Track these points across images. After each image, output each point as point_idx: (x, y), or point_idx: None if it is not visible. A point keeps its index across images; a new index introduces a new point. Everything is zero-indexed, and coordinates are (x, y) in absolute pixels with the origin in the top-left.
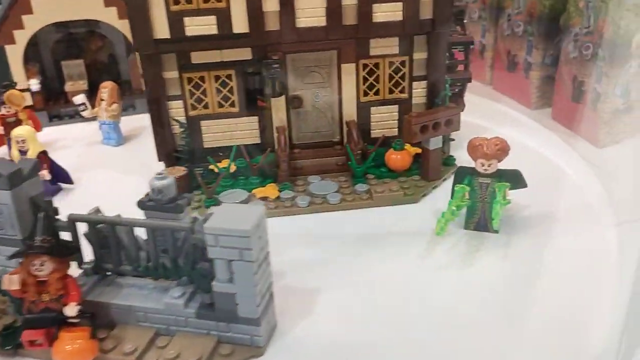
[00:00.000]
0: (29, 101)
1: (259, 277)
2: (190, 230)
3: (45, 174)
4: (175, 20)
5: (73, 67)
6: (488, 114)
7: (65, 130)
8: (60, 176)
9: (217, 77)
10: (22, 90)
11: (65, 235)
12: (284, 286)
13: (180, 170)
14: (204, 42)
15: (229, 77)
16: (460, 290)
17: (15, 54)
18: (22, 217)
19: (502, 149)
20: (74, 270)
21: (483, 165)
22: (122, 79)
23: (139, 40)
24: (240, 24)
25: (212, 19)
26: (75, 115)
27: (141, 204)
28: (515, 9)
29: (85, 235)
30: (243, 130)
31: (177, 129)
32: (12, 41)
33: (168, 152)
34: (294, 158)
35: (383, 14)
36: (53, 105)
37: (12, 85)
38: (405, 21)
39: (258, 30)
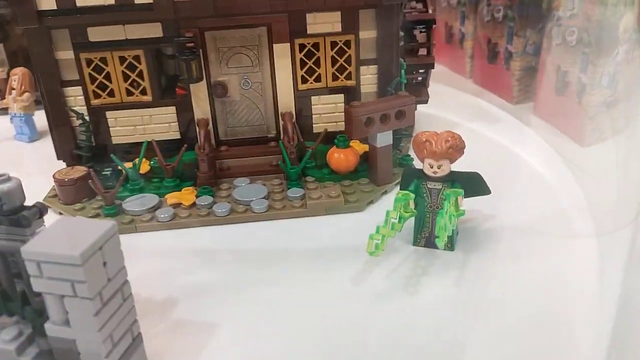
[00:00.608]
0: None
1: (105, 318)
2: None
3: None
4: None
5: None
6: (463, 109)
7: None
8: None
9: (122, 59)
10: None
11: None
12: (175, 321)
13: (79, 171)
14: (98, 14)
15: (136, 58)
16: (400, 325)
17: None
18: None
19: (454, 147)
20: None
21: (432, 167)
22: None
23: (18, 12)
24: None
25: None
26: None
27: None
28: None
29: None
30: (158, 124)
31: (76, 121)
32: None
33: (68, 149)
34: (219, 157)
35: None
36: None
37: None
38: None
39: (164, 0)
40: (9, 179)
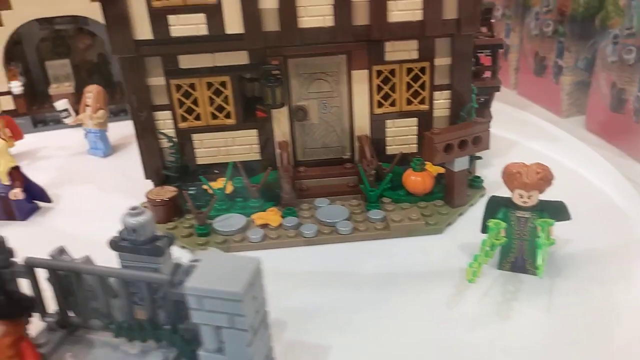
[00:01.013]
0: (9, 105)
1: (255, 348)
2: (169, 283)
3: (18, 193)
4: (158, 19)
5: (58, 68)
6: (514, 125)
7: (49, 138)
8: (36, 194)
9: (209, 85)
10: (2, 94)
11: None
12: (287, 343)
13: (170, 191)
14: (192, 44)
15: (223, 84)
16: (498, 350)
17: None
18: None
19: (544, 178)
20: (36, 323)
21: (522, 197)
22: (113, 80)
23: (117, 42)
24: (234, 23)
25: (201, 17)
26: (61, 121)
27: (113, 244)
28: (545, 6)
29: (48, 280)
30: (241, 145)
31: (165, 143)
32: None
33: (156, 170)
34: (298, 178)
35: (400, 12)
36: (37, 109)
37: None
38: (426, 21)
39: (254, 31)
40: (142, 212)
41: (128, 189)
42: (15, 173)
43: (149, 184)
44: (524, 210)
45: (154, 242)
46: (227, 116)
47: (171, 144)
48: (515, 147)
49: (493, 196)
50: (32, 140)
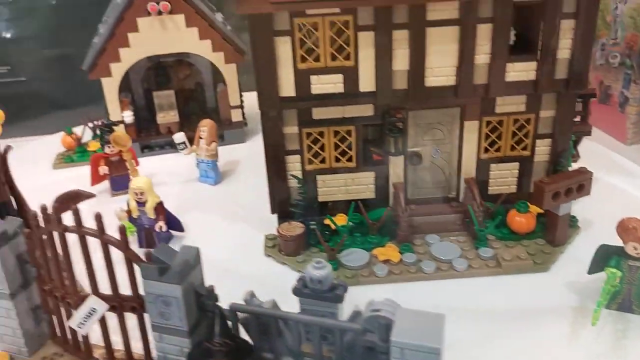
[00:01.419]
0: None
1: None
2: (362, 331)
3: (162, 226)
4: (302, 79)
5: (164, 98)
6: (586, 156)
7: (157, 163)
8: (172, 224)
9: (336, 133)
10: (116, 123)
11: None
12: None
13: (298, 227)
14: (328, 100)
15: (348, 132)
16: None
17: (111, 86)
18: (189, 308)
19: None
20: None
21: (636, 249)
22: (207, 107)
23: (266, 100)
24: (367, 82)
25: (339, 77)
26: (165, 146)
27: (297, 292)
28: (612, 39)
29: (241, 321)
30: (359, 185)
31: (293, 182)
32: (108, 74)
33: (283, 206)
34: (410, 215)
35: (516, 73)
36: (145, 136)
37: (113, 125)
38: (539, 81)
39: (385, 89)
40: (324, 265)
41: (246, 217)
42: (159, 207)
43: (260, 211)
44: (635, 260)
45: (334, 290)
46: (349, 160)
47: (300, 184)
48: (595, 184)
49: (604, 245)
50: (143, 166)
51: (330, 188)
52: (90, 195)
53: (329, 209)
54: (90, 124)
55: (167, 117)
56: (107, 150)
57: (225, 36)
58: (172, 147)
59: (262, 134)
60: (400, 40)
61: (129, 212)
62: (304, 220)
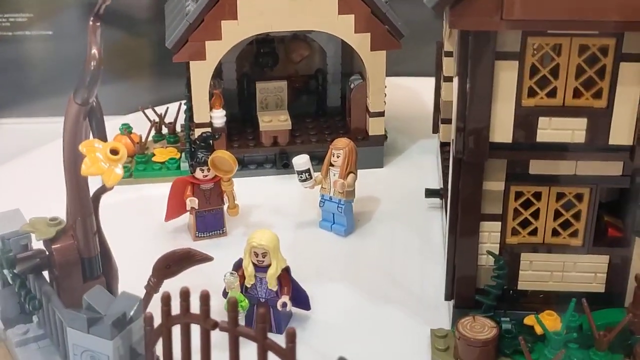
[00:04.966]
0: None
1: None
2: None
3: (288, 303)
4: (526, 120)
5: (271, 92)
6: None
7: (255, 189)
8: (299, 298)
9: (559, 195)
10: (200, 125)
11: None
12: None
13: (489, 326)
14: (558, 152)
15: (578, 196)
16: None
17: (202, 74)
18: None
19: None
20: None
21: None
22: (327, 106)
23: (472, 147)
24: (621, 132)
25: (582, 122)
26: (266, 165)
27: None
28: None
29: None
30: (582, 273)
31: (485, 260)
32: (202, 56)
33: (466, 291)
34: None
35: None
36: (239, 147)
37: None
38: None
39: None
40: None
41: (399, 297)
42: (284, 275)
43: (420, 288)
44: None
45: None
46: (573, 234)
47: (498, 263)
48: None
49: None
50: (237, 193)
51: (539, 272)
52: (207, 258)
53: (529, 299)
54: (154, 116)
55: (274, 121)
56: (198, 174)
57: (377, 10)
58: (278, 165)
59: (449, 186)
60: None
61: (242, 277)
62: (494, 314)
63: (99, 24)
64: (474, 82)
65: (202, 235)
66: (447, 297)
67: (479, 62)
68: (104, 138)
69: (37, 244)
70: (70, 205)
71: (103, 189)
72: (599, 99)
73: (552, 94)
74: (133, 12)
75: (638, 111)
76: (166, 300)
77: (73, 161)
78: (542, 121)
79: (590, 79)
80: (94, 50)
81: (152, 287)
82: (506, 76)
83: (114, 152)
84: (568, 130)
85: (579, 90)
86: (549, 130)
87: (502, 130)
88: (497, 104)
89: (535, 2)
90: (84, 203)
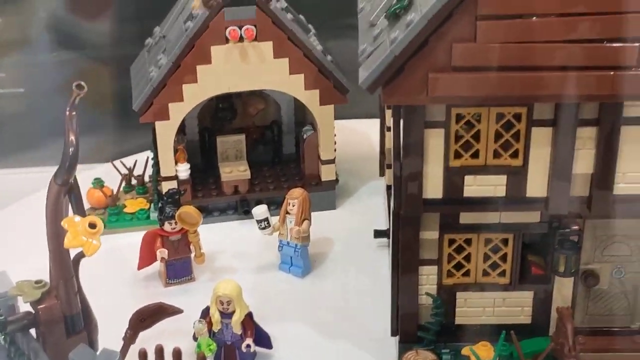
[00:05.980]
0: None
1: None
2: None
3: (251, 345)
4: (454, 179)
5: (231, 145)
6: None
7: (218, 236)
8: (260, 339)
9: (487, 241)
10: (167, 178)
11: None
12: None
13: (430, 359)
14: (483, 204)
15: (504, 241)
16: None
17: (166, 132)
18: None
19: None
20: None
21: None
22: (282, 154)
23: (407, 203)
24: (537, 186)
25: (502, 179)
26: (227, 211)
27: None
28: None
29: None
30: (510, 307)
31: (425, 299)
32: (166, 117)
33: (408, 327)
34: (580, 350)
35: None
36: (203, 197)
37: (180, 194)
38: None
39: (560, 196)
40: None
41: (350, 333)
42: (247, 320)
43: (369, 323)
44: None
45: None
46: (501, 274)
47: (436, 303)
48: None
49: None
50: (204, 239)
51: (473, 309)
52: (177, 312)
53: (466, 332)
54: (122, 169)
55: (234, 172)
56: (166, 227)
57: (323, 69)
58: (237, 211)
59: (391, 240)
60: (586, 139)
61: (209, 323)
62: (434, 347)
63: (74, 113)
64: (407, 148)
65: (172, 281)
66: (393, 333)
67: (410, 130)
68: (82, 213)
69: (23, 305)
70: (53, 269)
71: (82, 254)
72: (516, 158)
73: (476, 155)
74: (100, 69)
75: (549, 167)
76: (142, 355)
77: (55, 234)
78: (468, 179)
79: (508, 142)
80: (72, 137)
81: (129, 338)
82: (434, 142)
83: (92, 225)
84: (491, 185)
85: (499, 152)
86: (474, 186)
87: (434, 188)
88: (428, 166)
89: (454, 82)
90: (65, 267)
